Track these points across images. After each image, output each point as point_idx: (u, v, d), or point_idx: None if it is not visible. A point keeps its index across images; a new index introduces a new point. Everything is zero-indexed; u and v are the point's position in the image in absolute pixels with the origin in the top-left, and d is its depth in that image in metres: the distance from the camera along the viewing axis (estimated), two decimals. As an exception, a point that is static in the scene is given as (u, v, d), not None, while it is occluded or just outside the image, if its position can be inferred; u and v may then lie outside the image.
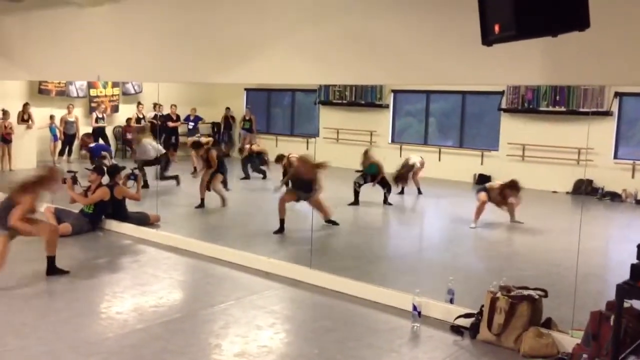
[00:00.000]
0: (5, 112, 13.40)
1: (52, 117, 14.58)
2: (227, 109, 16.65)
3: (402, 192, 11.71)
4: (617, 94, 12.33)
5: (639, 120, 12.83)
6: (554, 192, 12.52)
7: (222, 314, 5.13)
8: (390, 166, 12.52)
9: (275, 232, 8.04)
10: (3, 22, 9.50)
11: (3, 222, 5.77)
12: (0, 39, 9.62)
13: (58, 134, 14.69)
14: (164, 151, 11.87)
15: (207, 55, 6.92)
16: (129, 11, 7.66)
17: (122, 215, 8.21)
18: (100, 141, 14.43)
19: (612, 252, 8.43)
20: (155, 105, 14.57)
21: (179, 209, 10.05)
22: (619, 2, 4.18)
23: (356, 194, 10.51)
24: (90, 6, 7.97)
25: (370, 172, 10.69)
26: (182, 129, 15.31)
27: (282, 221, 8.10)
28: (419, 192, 11.70)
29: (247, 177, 13.07)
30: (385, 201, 10.62)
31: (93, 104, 15.78)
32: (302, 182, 8.37)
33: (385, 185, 10.67)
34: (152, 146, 11.70)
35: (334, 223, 8.54)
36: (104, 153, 12.91)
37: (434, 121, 15.47)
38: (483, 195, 8.91)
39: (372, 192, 10.55)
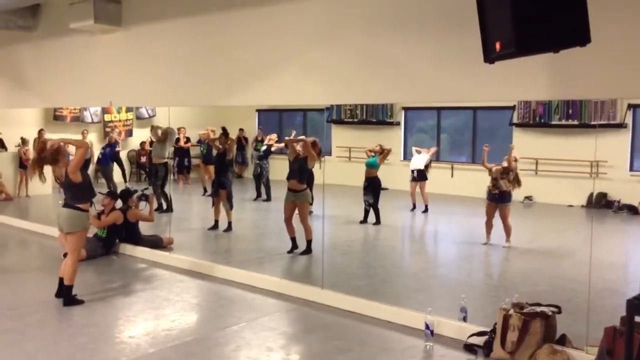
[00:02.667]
0: (24, 140, 13.68)
1: None
2: (241, 130, 16.75)
3: (413, 209, 11.70)
4: (630, 106, 12.25)
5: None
6: (570, 206, 12.42)
7: (233, 336, 5.13)
8: (401, 184, 12.52)
9: (289, 252, 8.06)
10: (17, 51, 9.70)
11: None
12: (15, 68, 9.82)
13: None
14: (163, 160, 11.58)
15: (219, 78, 6.99)
16: (139, 37, 7.78)
17: (136, 238, 8.28)
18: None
19: (628, 266, 8.32)
20: (179, 129, 14.52)
21: (192, 231, 10.10)
22: (628, 13, 4.17)
23: (366, 212, 10.50)
24: (102, 33, 8.12)
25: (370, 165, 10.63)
26: (194, 151, 15.39)
27: (293, 239, 8.12)
28: (425, 210, 11.66)
29: (259, 196, 13.09)
30: (377, 221, 10.45)
31: (107, 129, 15.98)
32: (298, 164, 8.17)
33: (375, 205, 10.47)
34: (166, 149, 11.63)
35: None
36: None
37: (445, 137, 15.46)
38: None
39: (383, 210, 10.52)
